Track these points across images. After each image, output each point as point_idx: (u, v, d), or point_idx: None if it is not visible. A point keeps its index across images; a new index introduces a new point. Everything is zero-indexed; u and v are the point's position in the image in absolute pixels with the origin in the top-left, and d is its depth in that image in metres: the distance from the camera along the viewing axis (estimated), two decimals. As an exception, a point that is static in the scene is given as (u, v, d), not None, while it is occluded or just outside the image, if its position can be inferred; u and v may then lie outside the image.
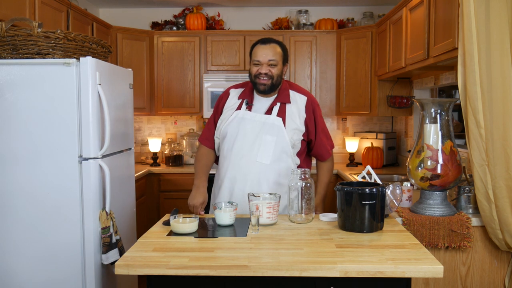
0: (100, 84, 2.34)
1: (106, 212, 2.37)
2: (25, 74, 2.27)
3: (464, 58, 1.96)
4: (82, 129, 2.30)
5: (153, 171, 4.09)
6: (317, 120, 2.34)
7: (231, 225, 1.95)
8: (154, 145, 4.37)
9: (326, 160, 2.43)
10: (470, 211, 2.19)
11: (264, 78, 2.22)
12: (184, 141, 4.52)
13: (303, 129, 2.29)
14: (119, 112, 2.67)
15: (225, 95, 2.42)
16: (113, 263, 2.34)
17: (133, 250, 1.64)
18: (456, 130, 3.19)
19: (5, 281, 2.32)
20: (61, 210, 2.30)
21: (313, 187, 2.01)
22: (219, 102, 2.42)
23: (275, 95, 2.32)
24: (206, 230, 1.90)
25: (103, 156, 2.40)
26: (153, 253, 1.60)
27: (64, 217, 2.31)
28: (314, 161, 2.50)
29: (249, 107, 2.31)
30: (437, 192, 2.12)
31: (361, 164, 4.36)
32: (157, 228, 1.93)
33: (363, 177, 2.20)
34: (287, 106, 2.29)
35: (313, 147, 2.37)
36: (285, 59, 2.29)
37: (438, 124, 2.08)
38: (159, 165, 4.35)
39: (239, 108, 2.31)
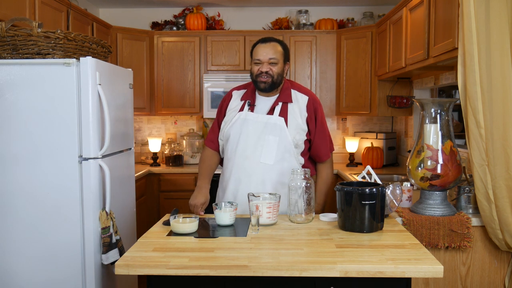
0: (100, 84, 2.34)
1: (106, 212, 2.37)
2: (25, 74, 2.27)
3: (464, 58, 1.96)
4: (82, 129, 2.30)
5: (153, 171, 4.09)
6: (318, 120, 2.32)
7: (231, 225, 1.95)
8: (154, 145, 4.37)
9: (324, 161, 2.39)
10: (470, 211, 2.19)
11: (265, 76, 2.22)
12: (184, 141, 4.52)
13: (305, 128, 2.29)
14: (119, 112, 2.67)
15: (228, 96, 2.42)
16: (113, 263, 2.34)
17: (133, 250, 1.64)
18: (456, 130, 3.19)
19: (5, 281, 2.32)
20: (61, 210, 2.30)
21: (313, 187, 2.01)
22: (222, 104, 2.43)
23: (277, 95, 2.32)
24: (206, 230, 1.90)
25: (103, 156, 2.40)
26: (153, 253, 1.60)
27: (64, 217, 2.31)
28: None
29: (252, 108, 2.31)
30: (437, 192, 2.12)
31: (361, 164, 4.36)
32: (157, 228, 1.93)
33: (363, 177, 2.20)
34: (289, 105, 2.29)
35: (311, 147, 2.35)
36: (286, 57, 2.29)
37: (438, 124, 2.08)
38: (159, 165, 4.35)
39: (241, 109, 2.31)
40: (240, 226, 1.93)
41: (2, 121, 2.28)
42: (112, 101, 2.53)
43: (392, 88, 3.99)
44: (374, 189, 1.80)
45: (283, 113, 2.26)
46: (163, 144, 4.52)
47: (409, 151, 3.84)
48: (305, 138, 2.29)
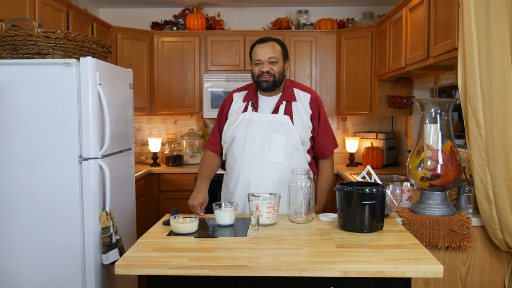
0: (100, 84, 2.34)
1: (106, 212, 2.37)
2: (25, 74, 2.27)
3: (464, 58, 1.96)
4: (82, 129, 2.30)
5: (153, 171, 4.09)
6: (321, 117, 2.35)
7: (231, 225, 1.95)
8: (154, 145, 4.37)
9: (327, 158, 2.41)
10: (470, 211, 2.19)
11: (266, 76, 2.23)
12: (184, 141, 4.52)
13: (310, 125, 2.31)
14: (119, 112, 2.67)
15: (229, 99, 2.42)
16: (113, 263, 2.34)
17: (133, 250, 1.64)
18: (456, 130, 3.19)
19: (5, 281, 2.32)
20: (61, 210, 2.30)
21: (314, 187, 2.01)
22: (223, 107, 2.42)
23: (280, 94, 2.33)
24: (206, 230, 1.90)
25: (103, 156, 2.40)
26: (153, 253, 1.60)
27: (64, 217, 2.31)
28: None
29: (255, 108, 2.31)
30: (437, 192, 2.11)
31: (361, 164, 4.36)
32: (157, 228, 1.93)
33: (363, 177, 2.20)
34: (293, 104, 2.30)
35: (314, 143, 2.36)
36: (285, 56, 2.31)
37: (438, 124, 2.08)
38: (159, 165, 4.35)
39: (245, 110, 2.32)
40: (240, 226, 1.93)
41: (2, 121, 2.28)
42: (112, 101, 2.53)
43: (392, 88, 3.99)
44: (374, 189, 1.80)
45: (288, 112, 2.28)
46: (163, 144, 4.52)
47: (409, 151, 3.84)
48: (310, 135, 2.31)
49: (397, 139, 4.48)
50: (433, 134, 2.08)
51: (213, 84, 4.22)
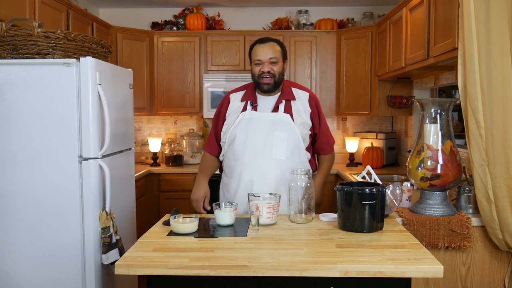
0: (100, 84, 2.34)
1: (106, 212, 2.37)
2: (25, 74, 2.26)
3: (464, 58, 1.96)
4: (82, 129, 2.30)
5: (153, 171, 4.09)
6: (321, 115, 2.40)
7: (231, 225, 1.95)
8: (154, 145, 4.37)
9: (328, 153, 2.48)
10: (470, 211, 2.19)
11: (267, 76, 2.25)
12: (184, 141, 4.52)
13: (310, 123, 2.35)
14: (119, 112, 2.67)
15: (226, 100, 2.43)
16: (113, 263, 2.34)
17: (133, 250, 1.64)
18: (456, 130, 3.19)
19: (5, 281, 2.32)
20: (61, 210, 2.30)
21: (313, 187, 2.01)
22: (220, 108, 2.44)
23: (278, 93, 2.35)
24: (206, 230, 1.90)
25: (103, 156, 2.40)
26: (153, 253, 1.60)
27: (64, 217, 2.30)
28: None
29: (255, 107, 2.32)
30: (437, 192, 2.12)
31: (361, 164, 4.36)
32: (157, 228, 1.93)
33: (363, 177, 2.21)
34: (292, 103, 2.33)
35: (316, 140, 2.41)
36: (284, 56, 2.33)
37: (438, 124, 2.08)
38: (159, 165, 4.35)
39: (244, 110, 2.33)
40: (240, 226, 1.93)
41: (2, 121, 2.28)
42: (112, 101, 2.53)
43: (392, 88, 3.99)
44: (374, 189, 1.80)
45: (288, 110, 2.30)
46: (163, 144, 4.52)
47: (409, 151, 3.84)
48: (310, 133, 2.35)
49: (397, 139, 4.48)
50: (433, 134, 2.08)
51: (213, 84, 4.22)
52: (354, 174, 3.73)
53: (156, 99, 4.35)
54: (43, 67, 2.27)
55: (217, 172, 2.51)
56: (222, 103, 2.44)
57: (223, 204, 1.98)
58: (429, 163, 2.08)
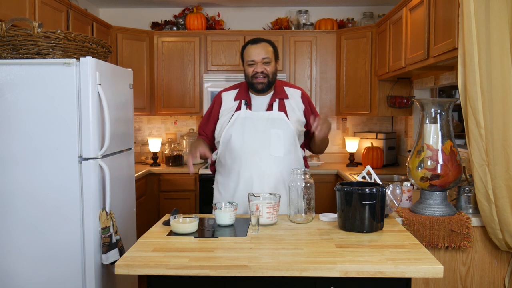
0: (100, 84, 2.34)
1: (106, 212, 2.37)
2: (25, 74, 2.26)
3: (464, 58, 1.96)
4: (82, 129, 2.30)
5: (153, 171, 4.09)
6: (313, 110, 2.43)
7: (231, 225, 1.95)
8: (154, 145, 4.37)
9: None
10: (470, 211, 2.19)
11: (261, 76, 2.28)
12: (184, 141, 4.52)
13: (304, 120, 2.38)
14: (119, 112, 2.67)
15: (218, 99, 2.44)
16: (113, 263, 2.34)
17: (133, 250, 1.64)
18: (456, 130, 3.19)
19: (5, 281, 2.32)
20: (61, 210, 2.30)
21: (313, 187, 2.01)
22: (212, 107, 2.45)
23: (271, 93, 2.38)
24: (206, 230, 1.90)
25: (103, 156, 2.40)
26: (153, 253, 1.60)
27: (64, 217, 2.31)
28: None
29: (249, 106, 2.33)
30: (437, 192, 2.12)
31: (361, 164, 4.36)
32: (157, 228, 1.93)
33: (363, 177, 2.21)
34: (286, 101, 2.36)
35: (313, 136, 2.39)
36: (276, 56, 2.37)
37: (438, 124, 2.08)
38: (159, 165, 4.35)
39: (238, 109, 2.33)
40: (240, 226, 1.93)
41: (2, 121, 2.28)
42: (112, 101, 2.53)
43: (392, 88, 3.99)
44: (374, 189, 1.80)
45: (282, 108, 2.33)
46: (163, 144, 4.52)
47: (409, 151, 3.84)
48: (304, 129, 2.39)
49: (397, 139, 4.48)
50: (433, 134, 2.08)
51: (213, 84, 4.21)
52: (354, 174, 3.73)
53: (156, 99, 4.35)
54: (43, 67, 2.27)
55: (209, 172, 2.51)
56: (214, 102, 2.45)
57: (223, 204, 1.98)
58: (429, 163, 2.08)
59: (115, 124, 2.56)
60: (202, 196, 3.99)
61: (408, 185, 2.28)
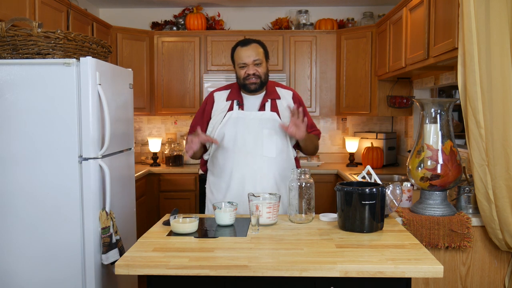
0: (100, 84, 2.34)
1: (106, 212, 2.37)
2: (25, 74, 2.26)
3: (464, 58, 1.96)
4: (82, 129, 2.30)
5: (153, 171, 4.09)
6: (305, 111, 2.42)
7: (231, 225, 1.95)
8: (154, 145, 4.37)
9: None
10: (470, 211, 2.19)
11: (253, 78, 2.28)
12: (184, 141, 4.51)
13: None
14: (119, 112, 2.67)
15: (210, 99, 2.44)
16: (113, 263, 2.34)
17: (133, 250, 1.64)
18: (456, 130, 3.19)
19: (5, 281, 2.32)
20: (61, 210, 2.30)
21: (313, 187, 2.01)
22: (204, 107, 2.44)
23: (263, 93, 2.39)
24: (206, 230, 1.90)
25: (103, 156, 2.40)
26: (153, 253, 1.60)
27: (64, 217, 2.30)
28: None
29: (241, 106, 2.35)
30: (437, 192, 2.11)
31: (361, 164, 4.36)
32: (157, 228, 1.93)
33: (363, 177, 2.21)
34: (278, 101, 2.37)
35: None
36: (267, 56, 2.37)
37: (438, 124, 2.08)
38: (159, 165, 4.35)
39: (230, 109, 2.34)
40: (240, 226, 1.93)
41: (2, 121, 2.28)
42: (112, 101, 2.53)
43: (392, 88, 3.99)
44: (374, 189, 1.80)
45: (274, 109, 2.35)
46: (163, 144, 4.52)
47: (409, 151, 3.84)
48: None
49: (397, 139, 4.48)
50: (433, 134, 2.08)
51: (213, 84, 4.21)
52: (354, 174, 3.73)
53: (156, 99, 4.36)
54: (43, 67, 2.27)
55: (201, 172, 2.51)
56: (206, 102, 2.45)
57: (223, 204, 1.98)
58: (429, 163, 2.08)
59: (115, 124, 2.56)
60: (202, 196, 3.97)
61: (408, 185, 2.28)
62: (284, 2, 4.47)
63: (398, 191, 2.00)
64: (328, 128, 4.71)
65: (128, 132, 2.88)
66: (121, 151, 2.75)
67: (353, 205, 1.81)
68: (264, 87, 2.37)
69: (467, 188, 2.18)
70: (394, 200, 1.99)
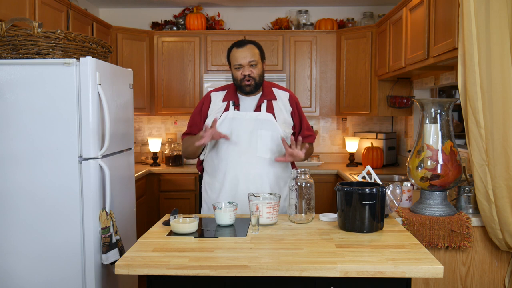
0: (100, 84, 2.34)
1: (106, 212, 2.37)
2: (25, 74, 2.26)
3: (464, 58, 1.96)
4: (82, 129, 2.30)
5: (153, 171, 4.09)
6: (301, 113, 2.44)
7: (231, 225, 1.95)
8: (154, 145, 4.37)
9: (312, 142, 2.53)
10: (470, 211, 2.19)
11: (248, 80, 2.28)
12: (184, 141, 4.51)
13: (291, 122, 2.39)
14: (119, 112, 2.67)
15: (207, 99, 2.44)
16: (113, 263, 2.34)
17: (133, 250, 1.64)
18: (456, 130, 3.19)
19: (5, 281, 2.32)
20: (61, 210, 2.30)
21: (313, 187, 2.01)
22: (201, 106, 2.44)
23: (259, 94, 2.39)
24: (206, 230, 1.90)
25: (103, 156, 2.40)
26: (153, 253, 1.60)
27: (64, 217, 2.30)
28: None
29: (237, 107, 2.35)
30: (437, 192, 2.12)
31: (361, 164, 4.36)
32: (157, 228, 1.93)
33: (363, 177, 2.21)
34: (274, 102, 2.37)
35: (300, 135, 2.43)
36: (263, 57, 2.37)
37: (438, 124, 2.08)
38: (159, 165, 4.35)
39: (226, 109, 2.34)
40: (240, 226, 1.93)
41: (2, 121, 2.28)
42: (112, 101, 2.53)
43: (392, 88, 3.99)
44: (374, 189, 1.80)
45: (270, 110, 2.34)
46: (163, 144, 4.52)
47: (409, 151, 3.84)
48: (292, 131, 2.38)
49: (397, 139, 4.48)
50: (433, 134, 2.08)
51: (213, 84, 4.21)
52: (354, 174, 3.73)
53: (156, 99, 4.36)
54: (43, 67, 2.27)
55: (198, 172, 2.51)
56: (202, 102, 2.45)
57: (223, 204, 1.98)
58: (429, 163, 2.08)
59: (115, 124, 2.56)
60: (201, 197, 3.98)
61: (408, 185, 2.28)
62: (284, 2, 4.47)
63: (398, 191, 2.00)
64: (328, 128, 4.71)
65: (128, 132, 2.88)
66: (121, 151, 2.75)
67: (353, 205, 1.81)
68: (260, 88, 2.37)
69: (467, 188, 2.18)
70: (394, 200, 1.99)
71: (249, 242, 1.72)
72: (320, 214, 2.08)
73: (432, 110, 2.09)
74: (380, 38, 3.85)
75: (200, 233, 1.84)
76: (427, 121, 2.11)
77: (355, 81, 4.19)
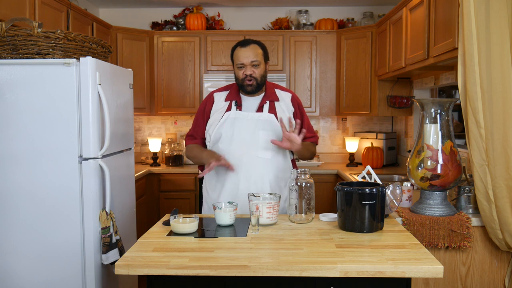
0: (100, 84, 2.34)
1: (106, 212, 2.37)
2: (25, 74, 2.27)
3: (464, 58, 1.96)
4: (82, 129, 2.30)
5: (153, 171, 4.09)
6: (303, 114, 2.44)
7: (231, 225, 1.95)
8: (154, 145, 4.37)
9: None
10: (470, 211, 2.19)
11: (250, 79, 2.28)
12: (184, 141, 4.51)
13: (293, 123, 2.34)
14: (119, 112, 2.67)
15: (209, 99, 2.44)
16: (113, 263, 2.34)
17: (133, 250, 1.64)
18: (456, 130, 3.19)
19: (5, 281, 2.32)
20: (61, 210, 2.30)
21: (313, 187, 2.01)
22: (204, 106, 2.44)
23: (262, 94, 2.39)
24: (206, 230, 1.90)
25: (103, 156, 2.40)
26: (153, 253, 1.60)
27: (64, 217, 2.30)
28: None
29: (239, 107, 2.35)
30: (437, 192, 2.12)
31: (361, 164, 4.36)
32: (157, 228, 1.93)
33: (363, 177, 2.21)
34: (276, 103, 2.37)
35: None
36: (266, 58, 2.37)
37: (438, 124, 2.08)
38: (159, 165, 4.35)
39: (228, 109, 2.34)
40: (240, 226, 1.93)
41: (2, 121, 2.28)
42: (112, 101, 2.53)
43: (392, 88, 3.99)
44: (374, 189, 1.80)
45: (272, 111, 2.34)
46: (163, 144, 4.52)
47: (409, 151, 3.84)
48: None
49: (397, 139, 4.48)
50: (433, 134, 2.08)
51: (213, 84, 4.21)
52: (354, 174, 3.73)
53: (156, 99, 4.36)
54: (43, 67, 2.27)
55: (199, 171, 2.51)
56: (205, 102, 2.45)
57: (223, 204, 1.98)
58: (429, 163, 2.08)
59: (115, 124, 2.56)
60: (202, 196, 3.99)
61: (408, 185, 2.28)
62: (284, 2, 4.47)
63: (398, 191, 2.00)
64: (328, 128, 4.71)
65: (128, 132, 2.88)
66: (121, 151, 2.75)
67: (353, 205, 1.81)
68: (262, 88, 2.37)
69: (467, 188, 2.18)
70: (394, 200, 1.99)
71: (249, 242, 1.72)
72: (320, 214, 2.08)
73: (432, 110, 2.09)
74: (380, 38, 3.85)
75: (200, 233, 1.84)
76: (427, 121, 2.11)
77: (355, 81, 4.19)
